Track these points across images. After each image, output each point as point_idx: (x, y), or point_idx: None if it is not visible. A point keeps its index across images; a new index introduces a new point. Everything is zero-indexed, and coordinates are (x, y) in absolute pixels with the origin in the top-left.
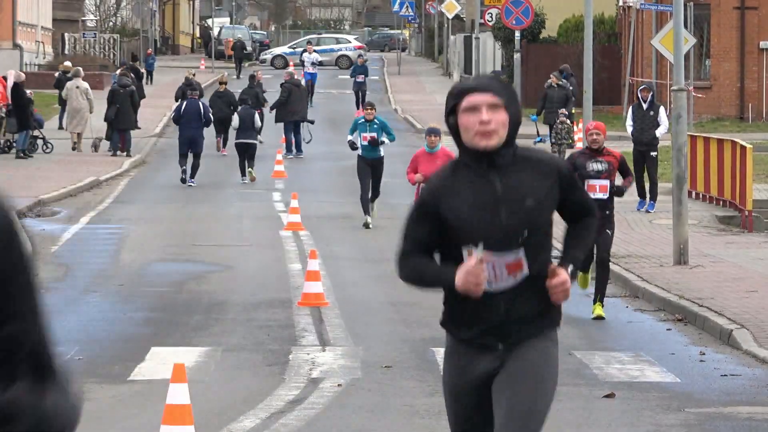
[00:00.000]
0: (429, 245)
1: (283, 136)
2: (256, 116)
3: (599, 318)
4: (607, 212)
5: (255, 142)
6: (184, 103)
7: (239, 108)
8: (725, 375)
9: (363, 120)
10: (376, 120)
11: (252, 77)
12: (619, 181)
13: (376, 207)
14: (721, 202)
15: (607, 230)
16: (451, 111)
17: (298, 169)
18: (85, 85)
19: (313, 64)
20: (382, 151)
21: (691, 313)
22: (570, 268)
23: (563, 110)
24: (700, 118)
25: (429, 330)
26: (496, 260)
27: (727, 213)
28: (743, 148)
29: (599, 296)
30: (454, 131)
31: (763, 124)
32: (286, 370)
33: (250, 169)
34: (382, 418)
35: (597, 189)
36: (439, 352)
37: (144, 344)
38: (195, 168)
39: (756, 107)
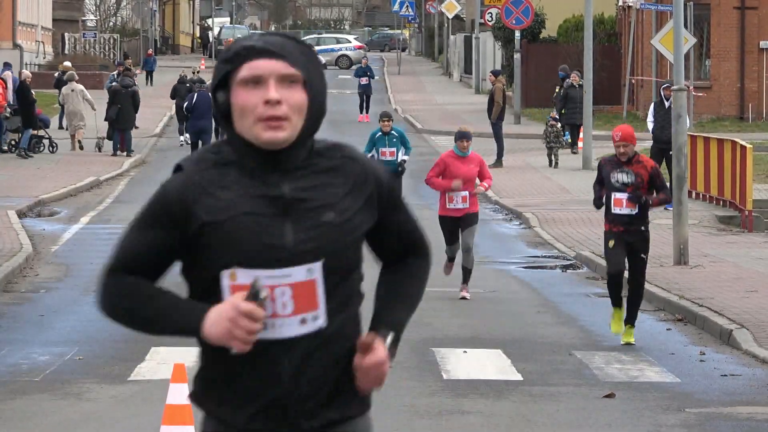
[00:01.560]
0: (155, 266)
1: None
2: None
3: (628, 344)
4: (642, 228)
5: None
6: (195, 95)
7: None
8: (725, 375)
9: (380, 133)
10: (393, 131)
11: None
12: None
13: None
14: (721, 202)
15: (642, 255)
16: (223, 82)
17: None
18: (80, 86)
19: None
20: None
21: (691, 313)
22: (390, 337)
23: (553, 113)
24: (700, 118)
25: (429, 330)
26: (275, 282)
27: (727, 213)
28: (743, 148)
29: (630, 320)
30: (224, 113)
31: (763, 124)
32: None
33: None
34: (382, 418)
35: (623, 204)
36: (440, 352)
37: (144, 344)
38: None
39: (756, 107)
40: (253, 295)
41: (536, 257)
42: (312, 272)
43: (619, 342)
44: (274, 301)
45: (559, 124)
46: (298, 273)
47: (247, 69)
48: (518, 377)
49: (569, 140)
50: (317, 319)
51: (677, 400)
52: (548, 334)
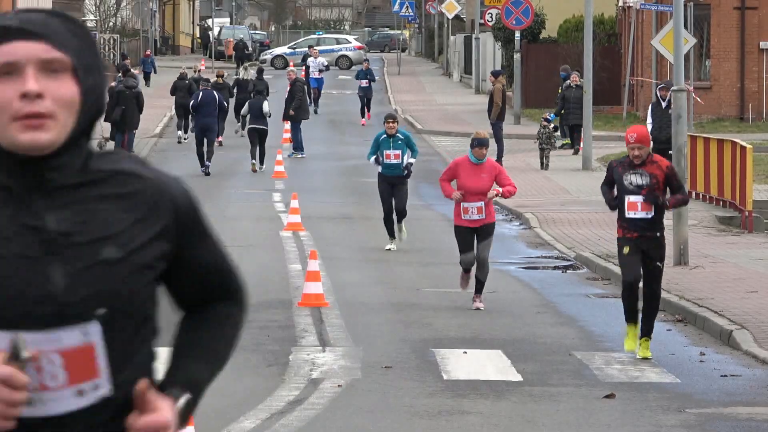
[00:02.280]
0: None
1: (290, 136)
2: (266, 103)
3: (645, 358)
4: (658, 234)
5: (267, 128)
6: (200, 92)
7: (252, 98)
8: (725, 375)
9: (385, 135)
10: (399, 134)
11: (261, 71)
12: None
13: (405, 227)
14: (721, 203)
15: (657, 263)
16: None
17: (298, 169)
18: None
19: (320, 70)
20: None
21: (691, 313)
22: (183, 400)
23: (546, 114)
24: (700, 119)
25: (429, 330)
26: (42, 348)
27: (727, 213)
28: (743, 148)
29: (646, 332)
30: None
31: (763, 124)
32: (286, 371)
33: (253, 161)
34: (382, 418)
35: (638, 207)
36: (439, 352)
37: None
38: (209, 154)
39: (756, 107)
40: (13, 355)
41: (536, 258)
42: (88, 335)
43: (618, 342)
44: (41, 371)
45: (551, 125)
46: (70, 337)
47: (1, 54)
48: (518, 378)
49: (565, 141)
50: (99, 389)
51: (677, 401)
52: (548, 335)
